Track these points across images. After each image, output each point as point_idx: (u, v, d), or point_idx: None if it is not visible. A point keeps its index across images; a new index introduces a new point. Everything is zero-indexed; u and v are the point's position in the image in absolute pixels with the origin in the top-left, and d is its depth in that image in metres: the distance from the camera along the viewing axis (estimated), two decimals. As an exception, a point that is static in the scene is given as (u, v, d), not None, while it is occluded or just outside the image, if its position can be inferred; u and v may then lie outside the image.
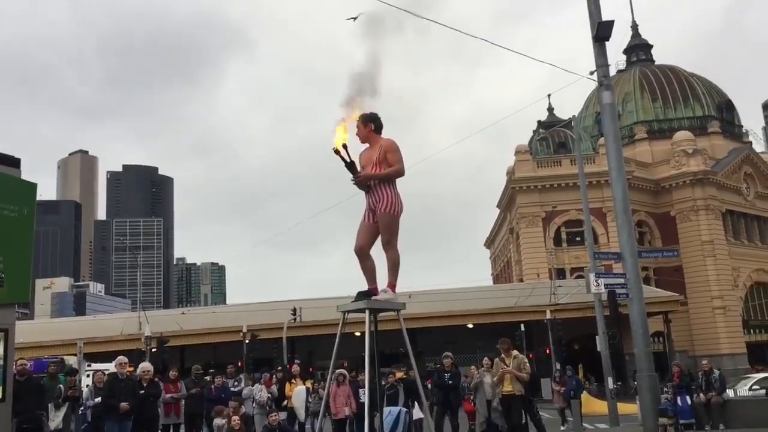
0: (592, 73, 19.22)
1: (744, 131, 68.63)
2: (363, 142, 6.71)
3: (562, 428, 17.62)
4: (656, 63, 68.66)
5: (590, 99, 63.58)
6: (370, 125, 6.67)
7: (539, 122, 59.41)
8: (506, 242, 65.54)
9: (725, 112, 65.51)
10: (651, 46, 70.07)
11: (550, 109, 59.24)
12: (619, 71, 65.17)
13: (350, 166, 6.46)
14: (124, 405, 10.98)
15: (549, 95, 54.75)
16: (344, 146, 6.39)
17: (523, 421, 11.48)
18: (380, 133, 6.71)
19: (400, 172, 6.58)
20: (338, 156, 6.36)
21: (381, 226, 6.54)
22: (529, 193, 54.78)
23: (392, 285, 6.57)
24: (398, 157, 6.56)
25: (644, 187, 56.41)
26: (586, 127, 61.21)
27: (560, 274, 50.05)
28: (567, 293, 39.37)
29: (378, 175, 6.50)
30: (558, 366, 31.24)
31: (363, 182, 6.52)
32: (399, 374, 15.26)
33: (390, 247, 6.56)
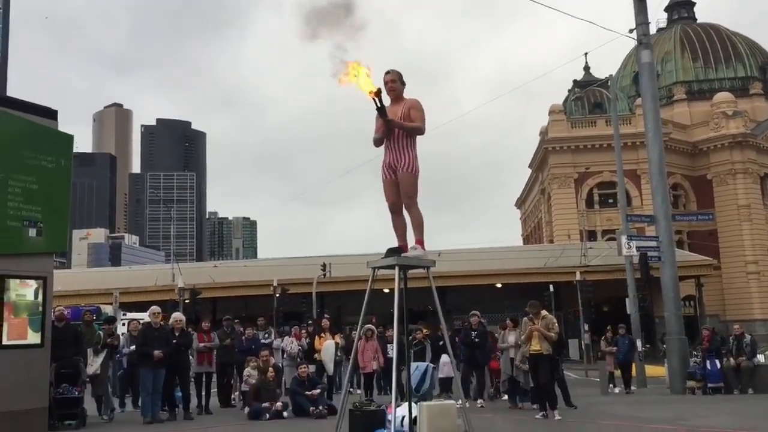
0: (631, 31, 18.83)
1: (787, 93, 66.70)
2: (393, 96, 6.71)
3: (616, 390, 17.39)
4: (698, 21, 66.74)
5: (628, 58, 62.17)
6: (404, 85, 6.73)
7: (575, 81, 58.35)
8: (537, 203, 65.09)
9: (768, 73, 63.70)
10: (693, 4, 68.05)
11: (587, 68, 58.08)
12: (660, 29, 63.44)
13: (381, 110, 6.48)
14: (157, 353, 11.26)
15: (586, 54, 53.71)
16: (379, 91, 6.40)
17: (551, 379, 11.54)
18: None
19: (422, 130, 6.67)
20: (373, 99, 6.35)
21: (402, 185, 6.57)
22: (562, 153, 54.12)
23: (420, 242, 6.60)
24: (422, 116, 6.62)
25: (681, 150, 55.36)
26: (623, 87, 59.98)
27: (591, 236, 49.64)
28: (598, 255, 39.10)
29: (405, 125, 6.53)
30: (586, 327, 31.22)
31: (390, 128, 6.53)
32: (419, 335, 15.41)
33: (412, 205, 6.62)
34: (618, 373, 17.63)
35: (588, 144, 52.96)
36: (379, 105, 6.43)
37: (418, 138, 6.74)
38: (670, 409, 12.54)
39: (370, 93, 6.32)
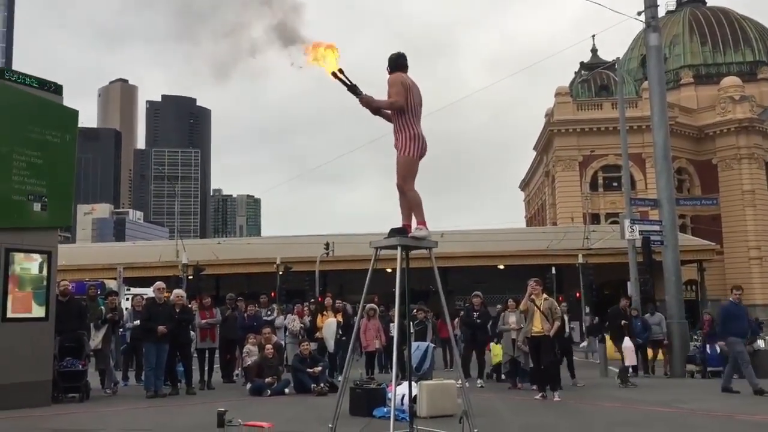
0: (639, 13, 18.71)
1: (795, 78, 66.22)
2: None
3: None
4: (708, 4, 66.17)
5: (636, 40, 61.76)
6: (388, 68, 6.54)
7: (582, 63, 58.05)
8: (541, 185, 65.00)
9: (777, 57, 63.26)
10: (704, -13, 67.50)
11: (594, 51, 57.76)
12: (669, 12, 62.98)
13: (352, 89, 6.34)
14: (161, 328, 11.34)
15: (593, 36, 53.48)
16: (340, 71, 6.26)
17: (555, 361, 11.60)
18: (399, 71, 6.51)
19: (393, 105, 6.40)
20: (338, 80, 6.25)
21: (397, 167, 6.44)
22: (568, 136, 53.94)
23: (423, 222, 6.56)
24: (395, 90, 6.38)
25: (687, 134, 55.14)
26: (631, 70, 59.65)
27: (594, 218, 49.64)
28: (600, 238, 39.12)
29: (376, 102, 6.38)
30: (587, 310, 31.32)
31: (365, 107, 6.41)
32: (420, 314, 15.48)
33: (406, 188, 6.44)
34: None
35: (593, 127, 52.79)
36: (348, 84, 6.29)
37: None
38: (669, 392, 12.62)
39: (332, 76, 6.19)
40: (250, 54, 6.46)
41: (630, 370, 14.53)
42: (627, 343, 14.23)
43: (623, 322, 14.69)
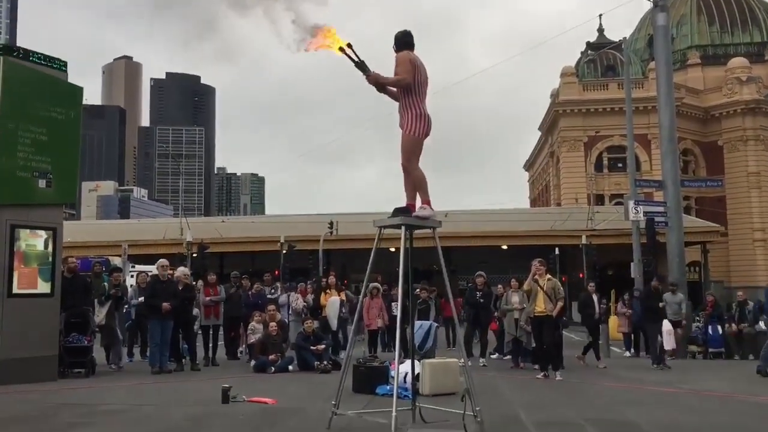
0: (647, -8, 18.56)
1: (804, 60, 65.68)
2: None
3: (626, 354, 17.35)
4: (716, -16, 65.58)
5: (643, 20, 61.24)
6: (395, 47, 6.48)
7: (588, 43, 57.65)
8: (546, 165, 64.84)
9: (786, 38, 62.71)
10: (712, -34, 66.70)
11: (600, 30, 57.30)
12: (677, -9, 62.40)
13: (360, 65, 6.27)
14: (165, 305, 11.41)
15: (600, 15, 52.88)
16: (349, 45, 6.21)
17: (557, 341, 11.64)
18: (406, 49, 6.43)
19: (400, 82, 6.32)
20: (345, 55, 6.19)
21: (401, 145, 6.38)
22: (573, 116, 53.71)
23: (427, 202, 6.55)
24: (401, 69, 6.31)
25: (693, 115, 54.85)
26: (637, 50, 59.21)
27: (599, 200, 49.61)
28: (604, 219, 39.10)
29: (384, 78, 6.32)
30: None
31: (373, 84, 6.35)
32: (424, 293, 15.51)
33: (410, 167, 6.39)
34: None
35: (599, 107, 52.55)
36: (356, 60, 6.21)
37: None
38: (671, 372, 12.68)
39: (339, 51, 6.15)
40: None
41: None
42: (668, 326, 14.06)
43: (661, 304, 14.36)
